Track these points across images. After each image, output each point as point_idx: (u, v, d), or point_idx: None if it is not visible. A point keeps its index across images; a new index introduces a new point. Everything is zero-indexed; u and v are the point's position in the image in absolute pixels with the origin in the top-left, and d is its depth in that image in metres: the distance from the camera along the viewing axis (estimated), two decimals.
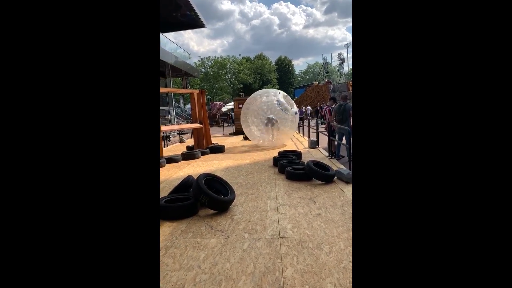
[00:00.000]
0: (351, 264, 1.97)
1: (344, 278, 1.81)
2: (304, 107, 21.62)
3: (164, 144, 10.74)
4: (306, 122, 11.97)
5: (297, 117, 8.63)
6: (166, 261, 2.15)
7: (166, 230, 2.73)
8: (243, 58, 50.52)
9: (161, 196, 3.57)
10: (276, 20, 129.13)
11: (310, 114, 21.29)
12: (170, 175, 5.25)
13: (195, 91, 8.13)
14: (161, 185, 4.53)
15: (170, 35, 21.94)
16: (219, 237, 2.52)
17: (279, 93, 8.51)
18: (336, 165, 5.25)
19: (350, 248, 2.19)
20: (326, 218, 2.83)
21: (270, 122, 7.88)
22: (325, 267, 1.95)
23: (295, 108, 8.56)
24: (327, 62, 47.96)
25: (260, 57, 52.88)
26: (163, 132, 10.03)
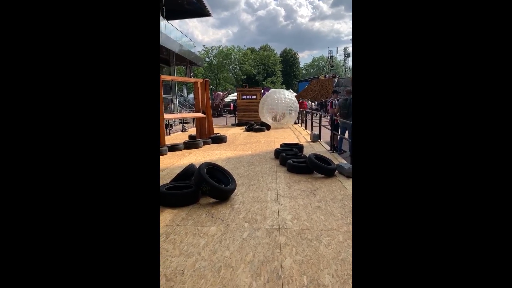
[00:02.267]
0: (349, 256, 1.99)
1: (342, 270, 1.83)
2: (305, 101, 21.49)
3: (167, 132, 10.75)
4: (309, 116, 11.92)
5: (297, 112, 11.82)
6: (166, 246, 2.17)
7: (167, 216, 2.76)
8: (248, 48, 50.13)
9: (163, 183, 3.59)
10: (282, 11, 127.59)
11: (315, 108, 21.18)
12: (172, 163, 5.27)
13: (199, 80, 8.09)
14: (162, 173, 4.55)
15: (175, 23, 21.72)
16: (219, 225, 2.54)
17: (289, 94, 12.06)
18: (338, 159, 5.25)
19: (349, 241, 2.21)
20: (326, 211, 2.84)
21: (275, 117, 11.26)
22: (323, 259, 1.97)
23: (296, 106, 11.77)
24: (332, 56, 47.50)
25: (265, 48, 52.47)
26: (166, 121, 10.02)
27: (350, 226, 2.48)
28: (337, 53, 55.60)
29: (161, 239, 2.30)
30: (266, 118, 11.57)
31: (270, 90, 12.36)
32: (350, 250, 2.07)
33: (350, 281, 1.72)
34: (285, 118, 11.62)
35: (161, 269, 1.87)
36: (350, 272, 1.81)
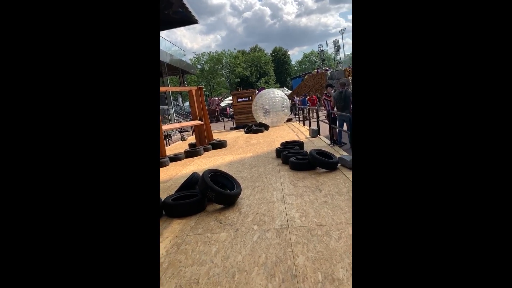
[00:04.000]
0: None
1: None
2: (296, 97, 21.41)
3: (166, 143, 10.76)
4: (306, 112, 11.94)
5: (289, 110, 12.72)
6: (178, 257, 2.18)
7: (176, 227, 2.77)
8: (238, 51, 50.18)
9: (167, 194, 3.60)
10: (267, 11, 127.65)
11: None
12: (175, 174, 5.28)
13: (193, 88, 8.11)
14: (166, 184, 4.56)
15: (163, 34, 21.77)
16: (228, 231, 2.55)
17: (281, 92, 12.91)
18: (339, 152, 5.26)
19: None
20: (333, 205, 2.85)
21: (267, 111, 12.13)
22: (335, 253, 1.98)
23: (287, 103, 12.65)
24: (322, 50, 47.55)
25: (255, 49, 52.53)
26: (164, 132, 10.04)
27: None
28: (327, 46, 55.76)
29: (173, 250, 2.31)
30: (261, 117, 12.22)
31: (261, 91, 13.15)
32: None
33: None
34: (278, 115, 12.25)
35: (175, 280, 1.88)
36: None
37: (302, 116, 12.21)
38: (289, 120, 14.04)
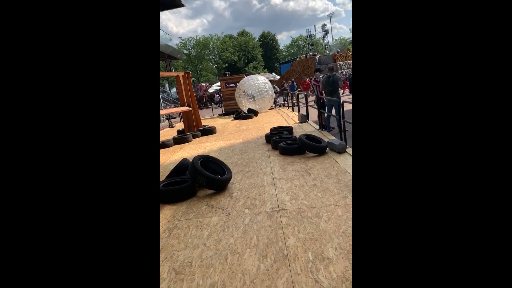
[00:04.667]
0: (349, 228, 2.06)
1: (344, 242, 1.90)
2: (285, 83, 21.29)
3: None
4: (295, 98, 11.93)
5: (273, 94, 12.66)
6: (171, 242, 2.20)
7: (167, 213, 2.77)
8: (226, 36, 49.22)
9: None
10: None
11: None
12: (164, 160, 5.25)
13: (180, 74, 7.95)
14: None
15: None
16: (220, 215, 2.57)
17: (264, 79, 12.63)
18: (328, 137, 5.32)
19: (348, 214, 2.28)
20: (322, 188, 2.91)
21: (251, 97, 11.82)
22: (325, 234, 2.04)
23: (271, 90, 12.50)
24: (311, 35, 47.14)
25: (243, 33, 51.62)
26: None
27: (347, 200, 2.55)
28: (315, 31, 55.08)
29: (165, 235, 2.32)
30: (245, 105, 11.94)
31: (244, 78, 12.99)
32: (350, 223, 2.14)
33: None
34: (264, 100, 12.04)
35: (169, 264, 1.90)
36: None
37: (291, 101, 12.06)
38: (281, 106, 13.99)
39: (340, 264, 1.69)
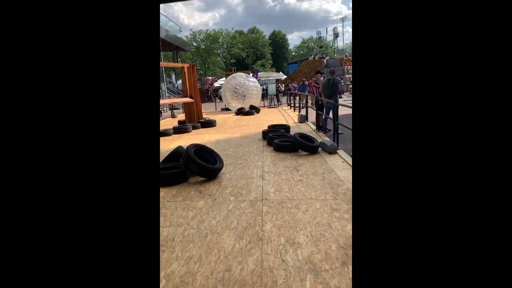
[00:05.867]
0: (324, 220, 2.22)
1: (316, 231, 2.06)
2: (290, 84, 21.28)
3: None
4: (298, 98, 12.04)
5: (260, 90, 13.14)
6: None
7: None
8: (236, 31, 49.25)
9: None
10: None
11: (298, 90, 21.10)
12: (162, 148, 5.42)
13: (185, 65, 8.11)
14: None
15: (160, 9, 21.15)
16: (207, 200, 2.74)
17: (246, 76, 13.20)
18: (322, 138, 5.47)
19: (325, 208, 2.43)
20: (307, 184, 3.06)
21: (238, 93, 12.19)
22: (300, 223, 2.20)
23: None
24: (321, 37, 47.05)
25: (253, 30, 51.61)
26: None
27: (328, 195, 2.71)
28: (326, 34, 55.06)
29: None
30: (231, 102, 12.35)
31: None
32: (325, 215, 2.30)
33: (322, 239, 1.95)
34: (252, 100, 12.37)
35: None
36: (323, 232, 2.03)
37: (297, 102, 11.40)
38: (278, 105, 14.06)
39: (308, 249, 1.84)
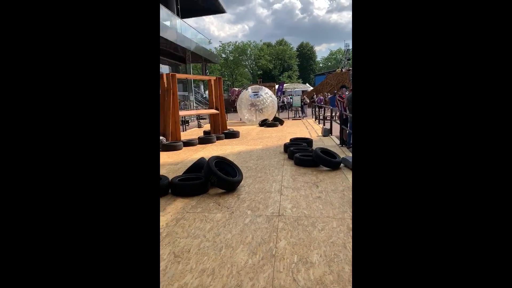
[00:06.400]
0: (339, 240, 2.19)
1: (330, 251, 2.04)
2: (315, 96, 20.99)
3: (183, 128, 11.16)
4: (322, 111, 11.95)
5: (275, 103, 13.19)
6: (176, 230, 2.45)
7: (179, 205, 3.04)
8: (264, 43, 50.02)
9: (176, 175, 3.89)
10: (298, 4, 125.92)
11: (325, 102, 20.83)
12: (186, 157, 5.59)
13: (212, 78, 8.38)
14: (176, 166, 4.87)
15: (191, 21, 22.12)
16: (224, 213, 2.80)
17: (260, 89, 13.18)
18: (345, 153, 5.38)
19: (342, 227, 2.40)
20: (325, 201, 3.04)
21: (254, 106, 12.54)
22: (315, 241, 2.18)
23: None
24: (349, 49, 46.56)
25: (281, 42, 52.19)
26: (182, 117, 10.41)
27: (345, 214, 2.67)
28: None
29: (172, 223, 2.59)
30: (245, 115, 12.71)
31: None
32: (341, 235, 2.27)
33: (336, 260, 1.93)
34: (268, 113, 12.56)
35: (170, 248, 2.15)
36: (337, 253, 2.01)
37: (322, 115, 11.18)
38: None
39: (320, 269, 1.83)
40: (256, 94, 12.59)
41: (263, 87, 13.89)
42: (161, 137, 6.91)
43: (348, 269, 1.82)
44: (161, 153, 6.30)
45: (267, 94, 12.79)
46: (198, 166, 3.89)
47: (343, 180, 3.75)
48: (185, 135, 9.01)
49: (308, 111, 17.23)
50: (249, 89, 13.14)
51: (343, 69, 33.41)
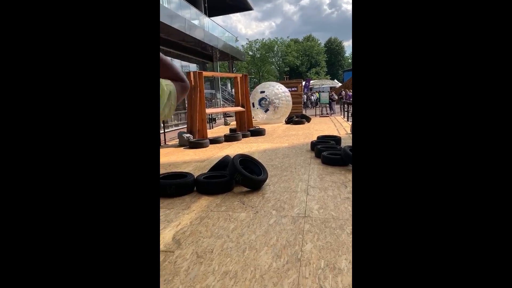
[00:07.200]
0: None
1: None
2: (343, 91, 20.41)
3: (210, 126, 11.28)
4: (351, 107, 11.55)
5: (290, 101, 11.86)
6: (200, 229, 2.43)
7: (203, 203, 3.03)
8: (291, 40, 49.42)
9: (202, 172, 3.90)
10: None
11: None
12: (212, 155, 5.61)
13: (238, 75, 8.35)
14: (203, 163, 4.90)
15: (218, 19, 22.36)
16: (249, 212, 2.73)
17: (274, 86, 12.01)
18: None
19: None
20: None
21: (275, 107, 11.43)
22: (343, 246, 2.06)
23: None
24: None
25: (308, 38, 51.32)
26: (208, 115, 10.52)
27: None
28: None
29: (196, 222, 2.57)
30: (259, 114, 11.69)
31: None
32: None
33: None
34: (283, 110, 11.54)
35: (193, 247, 2.12)
36: None
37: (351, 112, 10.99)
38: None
39: (349, 277, 1.71)
40: (263, 92, 11.56)
41: (274, 82, 12.97)
42: (188, 135, 7.00)
43: None
44: (188, 150, 6.39)
45: (278, 90, 11.55)
46: (223, 164, 3.87)
47: None
48: (211, 133, 9.09)
49: (337, 108, 16.78)
50: (258, 87, 12.10)
51: None
